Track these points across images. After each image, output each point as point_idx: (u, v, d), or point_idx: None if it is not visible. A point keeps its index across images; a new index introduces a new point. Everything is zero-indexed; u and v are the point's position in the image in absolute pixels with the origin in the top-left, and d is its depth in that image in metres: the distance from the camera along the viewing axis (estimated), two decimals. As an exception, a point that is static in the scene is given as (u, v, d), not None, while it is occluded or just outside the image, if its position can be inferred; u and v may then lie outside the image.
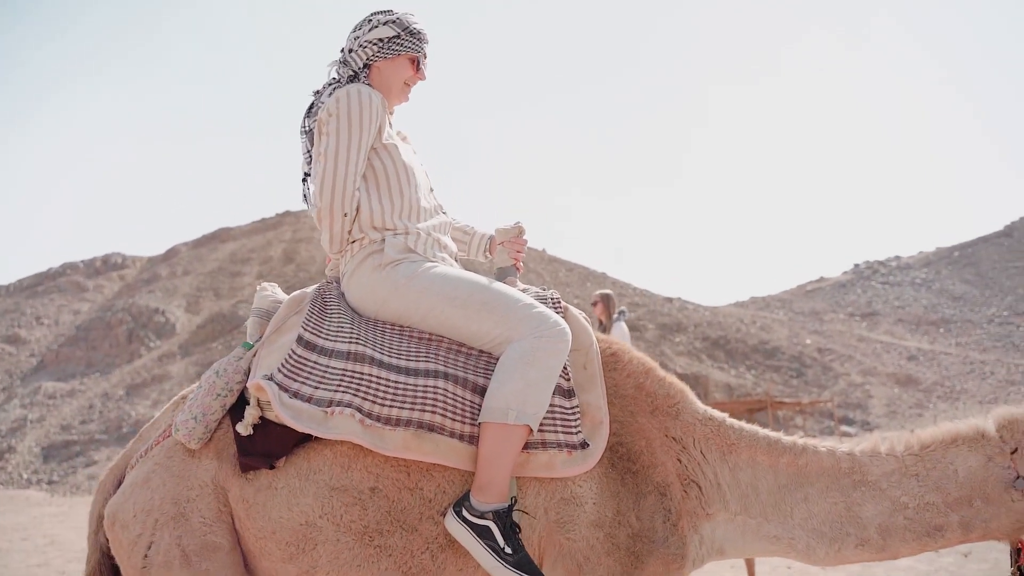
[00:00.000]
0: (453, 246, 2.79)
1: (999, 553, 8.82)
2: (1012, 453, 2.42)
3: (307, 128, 2.69)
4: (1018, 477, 2.39)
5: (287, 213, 58.85)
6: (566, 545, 2.33)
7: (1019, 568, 2.44)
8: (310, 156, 2.66)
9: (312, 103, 2.70)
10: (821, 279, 63.04)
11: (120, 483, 2.55)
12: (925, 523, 2.42)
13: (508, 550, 2.23)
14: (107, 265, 55.60)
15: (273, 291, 2.72)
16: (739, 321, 46.06)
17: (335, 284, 2.69)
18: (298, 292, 2.62)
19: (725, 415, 2.62)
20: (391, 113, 2.78)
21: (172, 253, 56.02)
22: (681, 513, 2.43)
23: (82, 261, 53.56)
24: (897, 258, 65.99)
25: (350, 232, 2.60)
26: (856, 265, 64.46)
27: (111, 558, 2.54)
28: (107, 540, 2.49)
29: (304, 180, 2.70)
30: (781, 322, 49.79)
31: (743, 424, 2.61)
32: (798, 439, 2.58)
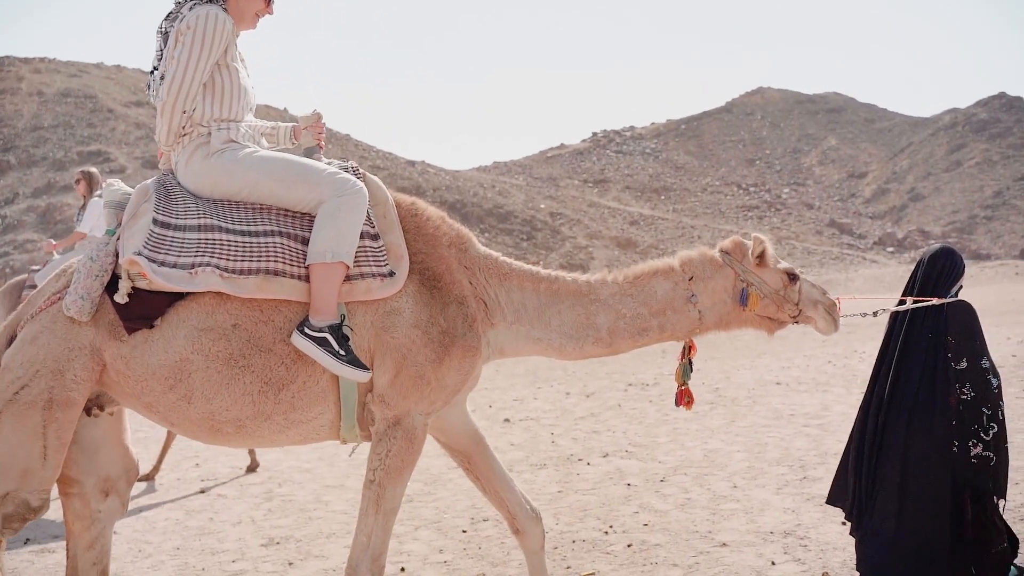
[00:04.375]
0: (266, 143, 3.41)
1: (616, 393, 10.06)
2: (690, 280, 3.49)
3: (163, 30, 3.18)
4: (692, 295, 3.47)
5: (-15, 54, 51.66)
6: (391, 342, 3.10)
7: (690, 360, 3.61)
8: (161, 54, 3.18)
9: (171, 10, 3.18)
10: (562, 146, 65.34)
11: (11, 341, 3.05)
12: (637, 326, 3.46)
13: (342, 352, 2.96)
14: None
15: (120, 185, 3.22)
16: (478, 185, 47.25)
17: (171, 175, 3.21)
18: (141, 184, 3.16)
19: (499, 254, 3.46)
20: (237, 36, 3.25)
21: None
22: (475, 318, 3.28)
23: None
24: (632, 128, 69.56)
25: (183, 127, 3.14)
26: (594, 134, 67.19)
27: None
28: None
29: (151, 72, 3.22)
30: (519, 187, 51.63)
31: (512, 260, 3.47)
32: (552, 271, 3.50)
